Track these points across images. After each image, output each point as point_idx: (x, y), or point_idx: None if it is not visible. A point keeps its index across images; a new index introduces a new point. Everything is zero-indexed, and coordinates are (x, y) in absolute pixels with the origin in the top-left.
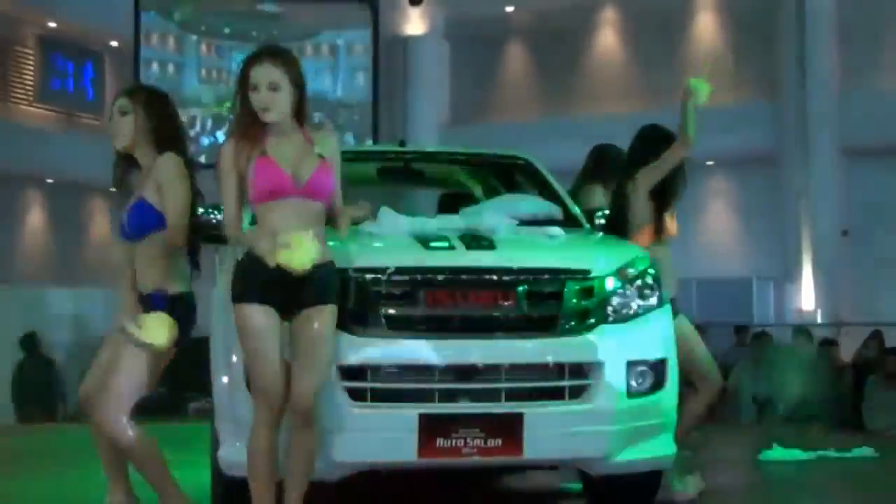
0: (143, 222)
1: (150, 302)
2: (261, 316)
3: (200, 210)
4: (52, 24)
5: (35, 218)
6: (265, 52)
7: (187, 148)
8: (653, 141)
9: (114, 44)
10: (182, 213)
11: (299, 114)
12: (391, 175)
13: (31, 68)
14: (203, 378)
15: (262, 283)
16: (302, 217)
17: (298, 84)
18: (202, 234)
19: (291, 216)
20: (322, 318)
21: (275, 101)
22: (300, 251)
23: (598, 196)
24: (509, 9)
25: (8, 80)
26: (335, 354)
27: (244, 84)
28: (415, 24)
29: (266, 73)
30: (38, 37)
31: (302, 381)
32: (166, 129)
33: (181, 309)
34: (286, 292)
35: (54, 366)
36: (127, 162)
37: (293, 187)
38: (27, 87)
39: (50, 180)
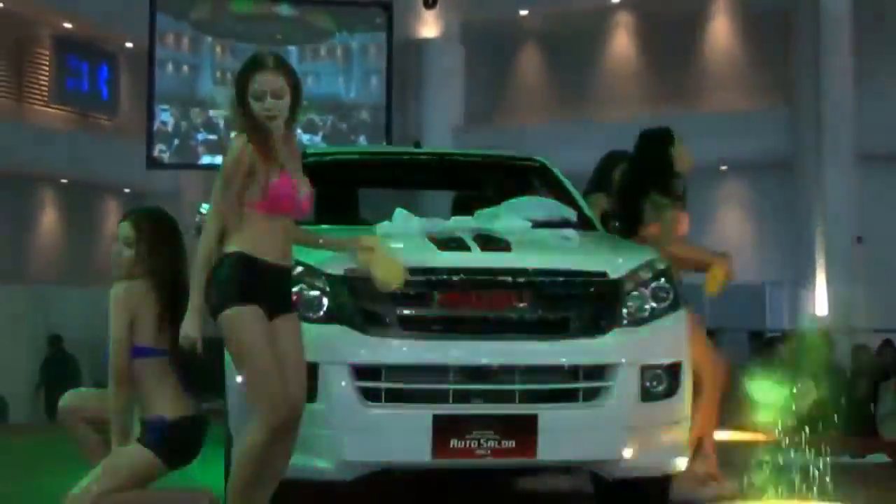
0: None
1: (145, 427)
2: (259, 319)
3: None
4: (68, 25)
5: (49, 218)
6: (269, 60)
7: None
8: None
9: (129, 45)
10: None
11: (290, 120)
12: (406, 176)
13: (47, 69)
14: (214, 379)
15: (257, 285)
16: (284, 233)
17: (296, 91)
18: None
19: (279, 231)
20: (295, 323)
21: (280, 109)
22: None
23: (601, 205)
24: (523, 12)
25: (23, 81)
26: None
27: (245, 90)
28: (429, 27)
29: (271, 82)
30: (53, 37)
31: (296, 387)
32: (165, 272)
33: (172, 435)
34: (273, 295)
35: (77, 363)
36: None
37: (296, 209)
38: (42, 88)
39: (64, 180)
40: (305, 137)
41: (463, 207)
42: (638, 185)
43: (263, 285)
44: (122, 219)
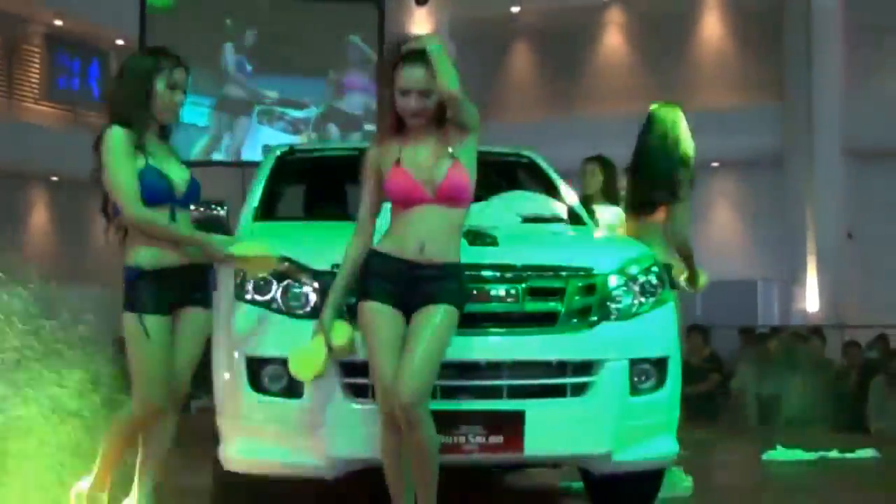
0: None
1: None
2: (376, 313)
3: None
4: (59, 23)
5: (39, 216)
6: (418, 54)
7: None
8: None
9: (120, 42)
10: None
11: (441, 115)
12: None
13: (38, 66)
14: (206, 376)
15: (381, 280)
16: (434, 225)
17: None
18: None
19: (423, 224)
20: (428, 317)
21: (426, 107)
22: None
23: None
24: (515, 9)
25: (14, 78)
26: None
27: (391, 84)
28: (420, 23)
29: (418, 79)
30: (44, 35)
31: (399, 381)
32: None
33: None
34: (406, 289)
35: None
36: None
37: (425, 196)
38: (33, 85)
39: (55, 178)
40: (293, 136)
41: None
42: (674, 155)
43: (393, 279)
44: (173, 65)
